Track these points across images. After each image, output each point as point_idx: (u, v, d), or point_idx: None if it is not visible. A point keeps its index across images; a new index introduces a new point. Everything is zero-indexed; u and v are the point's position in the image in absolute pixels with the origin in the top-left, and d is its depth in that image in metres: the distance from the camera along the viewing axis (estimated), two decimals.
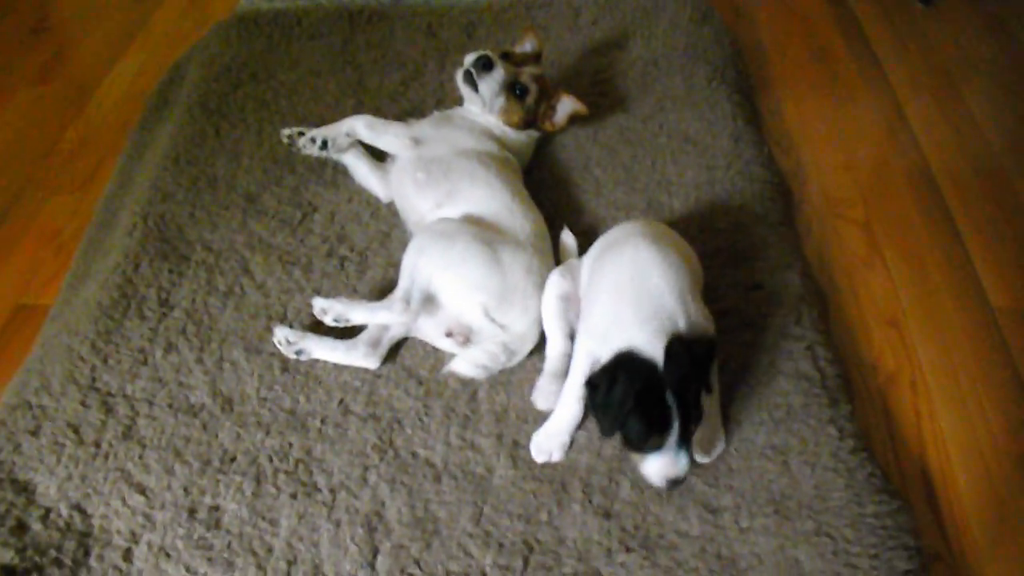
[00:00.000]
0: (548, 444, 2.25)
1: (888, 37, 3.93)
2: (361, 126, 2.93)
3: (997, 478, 2.26)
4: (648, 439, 2.03)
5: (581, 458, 2.24)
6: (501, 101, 2.90)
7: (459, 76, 2.92)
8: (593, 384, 2.08)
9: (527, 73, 2.94)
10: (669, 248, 2.25)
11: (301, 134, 3.02)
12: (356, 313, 2.42)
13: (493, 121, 2.95)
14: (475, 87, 2.89)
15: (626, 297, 2.14)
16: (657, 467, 2.05)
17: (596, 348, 2.18)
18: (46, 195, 3.25)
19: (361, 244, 2.81)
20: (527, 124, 2.97)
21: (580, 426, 2.30)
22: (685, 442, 2.03)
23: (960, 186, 3.10)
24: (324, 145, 2.95)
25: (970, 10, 4.08)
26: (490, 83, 2.88)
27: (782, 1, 4.24)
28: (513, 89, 2.90)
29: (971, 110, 3.46)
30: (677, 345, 2.04)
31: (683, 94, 3.35)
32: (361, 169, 2.98)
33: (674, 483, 2.07)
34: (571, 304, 2.41)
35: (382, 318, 2.41)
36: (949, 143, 3.30)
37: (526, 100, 2.91)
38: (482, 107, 2.92)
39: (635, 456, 2.11)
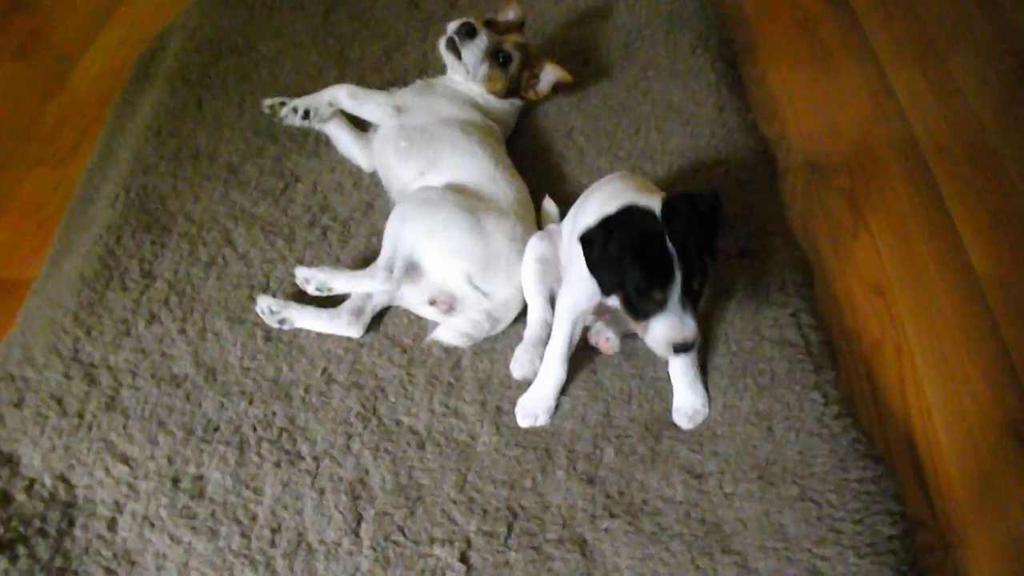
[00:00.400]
0: (533, 407, 2.25)
1: (872, 4, 3.91)
2: (343, 95, 2.91)
3: (981, 445, 2.27)
4: (650, 292, 1.96)
5: (566, 424, 2.24)
6: (484, 69, 2.89)
7: (442, 44, 2.91)
8: (587, 240, 2.01)
9: (510, 41, 2.93)
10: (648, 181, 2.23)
11: (283, 104, 3.01)
12: (338, 282, 2.41)
13: (476, 89, 2.94)
14: (458, 55, 2.88)
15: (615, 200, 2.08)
16: (661, 331, 1.99)
17: (582, 295, 2.18)
18: (28, 169, 3.23)
19: (344, 213, 2.80)
20: (510, 92, 2.97)
21: (564, 391, 2.30)
22: (690, 303, 1.98)
23: (945, 154, 3.10)
24: (306, 115, 2.94)
25: None
26: (473, 50, 2.86)
27: None
28: (496, 56, 2.89)
29: (956, 79, 3.46)
30: (678, 197, 2.01)
31: (667, 62, 3.35)
32: (343, 138, 2.97)
33: (682, 348, 2.00)
34: (550, 268, 2.40)
35: (365, 286, 2.41)
36: (934, 112, 3.29)
37: (509, 68, 2.90)
38: (465, 75, 2.91)
39: (639, 326, 2.04)
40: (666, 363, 2.28)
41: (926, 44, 3.67)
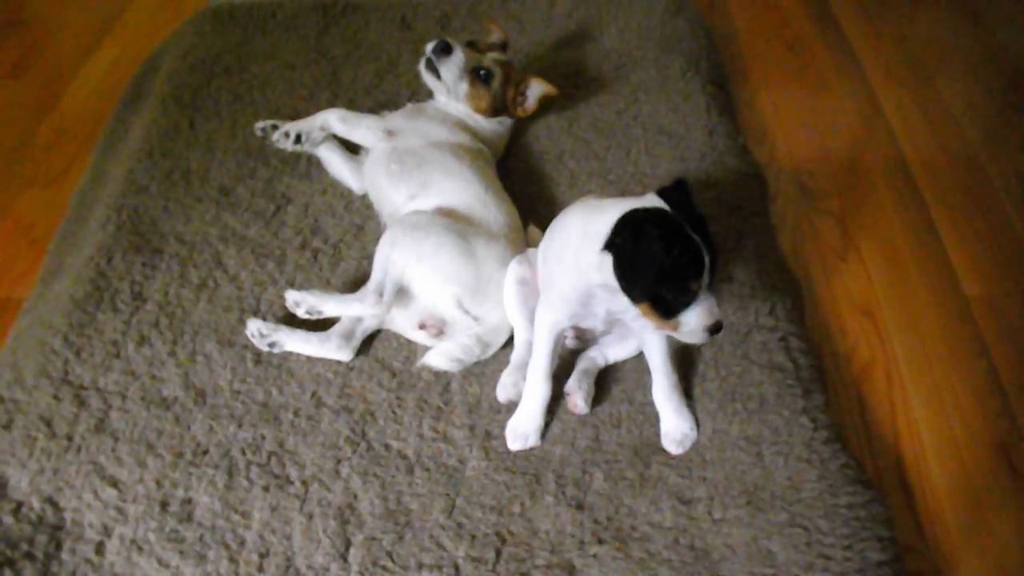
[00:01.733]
0: (523, 428, 2.25)
1: (863, 27, 3.94)
2: (335, 119, 2.92)
3: (971, 468, 2.27)
4: (688, 285, 1.92)
5: (554, 449, 2.24)
6: (465, 87, 2.91)
7: (421, 65, 2.93)
8: (617, 249, 1.94)
9: (490, 57, 2.95)
10: None
11: (275, 127, 3.02)
12: (329, 305, 2.41)
13: (464, 110, 2.95)
14: (437, 74, 2.89)
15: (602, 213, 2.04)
16: (698, 318, 1.96)
17: (562, 315, 2.18)
18: (20, 188, 3.23)
19: (335, 236, 2.80)
20: (496, 111, 2.98)
21: (553, 415, 2.30)
22: (714, 289, 1.97)
23: (934, 177, 3.11)
24: (298, 139, 2.94)
25: (946, 1, 4.10)
26: (450, 67, 2.89)
27: None
28: (477, 73, 2.90)
29: (946, 101, 3.48)
30: (672, 188, 2.00)
31: (657, 85, 3.36)
32: (335, 161, 2.98)
33: (716, 329, 1.98)
34: (531, 290, 2.39)
35: (355, 310, 2.41)
36: (924, 134, 3.31)
37: (492, 84, 2.92)
38: (447, 94, 2.93)
39: (669, 324, 2.00)
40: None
41: (916, 66, 3.69)
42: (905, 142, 3.27)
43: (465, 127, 2.92)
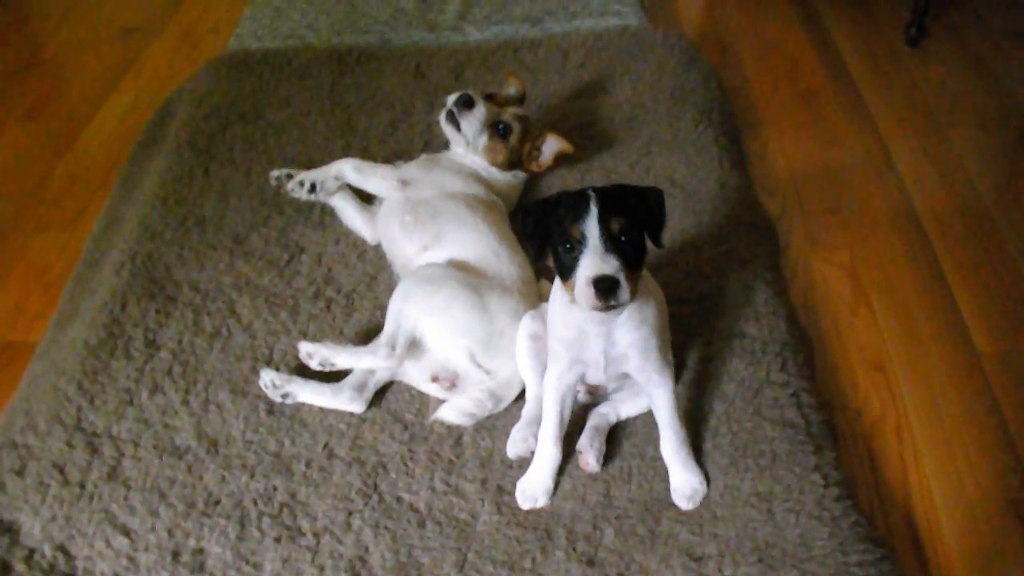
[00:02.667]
0: (532, 490, 2.25)
1: (874, 78, 3.96)
2: (349, 169, 2.95)
3: (983, 525, 2.26)
4: (568, 228, 1.96)
5: (565, 505, 2.24)
6: (484, 140, 2.93)
7: (442, 117, 2.96)
8: (523, 210, 2.14)
9: (510, 112, 2.97)
10: None
11: (290, 176, 3.05)
12: (341, 358, 2.42)
13: (479, 162, 2.97)
14: (457, 126, 2.92)
15: None
16: (584, 269, 1.95)
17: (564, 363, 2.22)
18: (35, 231, 3.26)
19: (348, 286, 2.82)
20: (512, 165, 3.00)
21: (564, 471, 2.30)
22: (615, 249, 1.94)
23: (945, 229, 3.12)
24: (312, 188, 2.97)
25: (956, 52, 4.12)
26: (472, 121, 2.91)
27: (768, 41, 4.28)
28: (496, 128, 2.93)
29: (957, 152, 3.49)
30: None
31: (670, 137, 3.37)
32: (349, 211, 3.00)
33: (600, 284, 1.94)
34: (542, 345, 2.39)
35: (367, 363, 2.42)
36: (935, 185, 3.32)
37: (509, 139, 2.94)
38: (465, 146, 2.95)
39: (569, 287, 2.01)
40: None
41: (927, 117, 3.71)
42: (916, 193, 3.28)
43: (480, 179, 2.94)
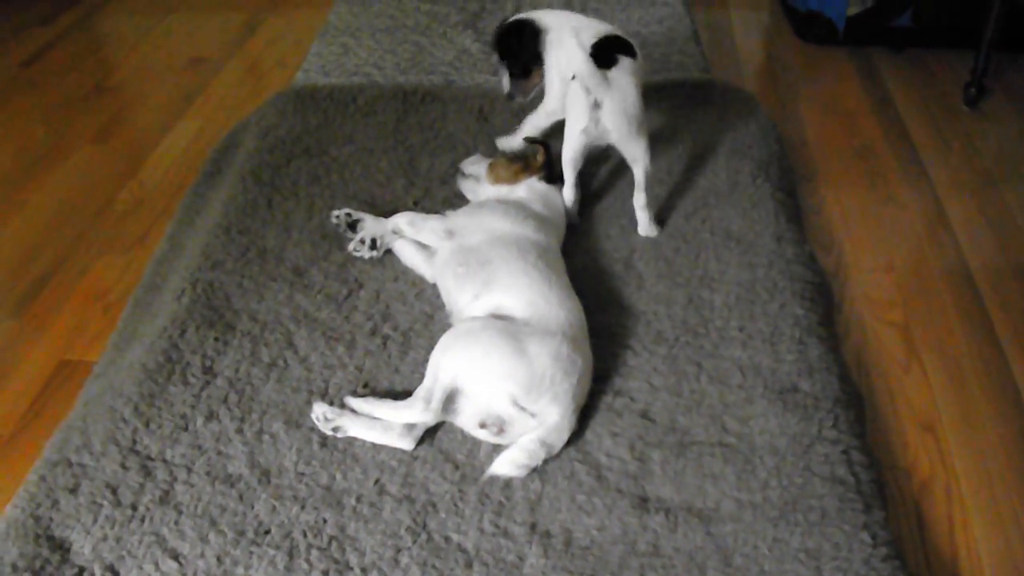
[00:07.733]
0: None
1: (931, 137, 3.96)
2: (403, 223, 3.02)
3: None
4: None
5: (613, 549, 2.23)
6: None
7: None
8: None
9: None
10: None
11: (349, 216, 3.12)
12: (381, 411, 2.49)
13: (520, 191, 3.08)
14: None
15: None
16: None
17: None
18: (97, 253, 3.32)
19: (404, 324, 2.85)
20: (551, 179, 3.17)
21: (610, 511, 2.30)
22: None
23: (999, 290, 3.11)
24: (373, 245, 3.05)
25: (1015, 112, 4.12)
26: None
27: (826, 97, 4.29)
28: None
29: (1013, 212, 3.48)
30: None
31: (727, 190, 3.39)
32: (407, 251, 3.04)
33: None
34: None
35: (404, 417, 2.45)
36: (990, 245, 3.31)
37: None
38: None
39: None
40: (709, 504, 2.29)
41: (983, 175, 3.70)
42: (970, 252, 3.27)
43: (527, 211, 2.98)
